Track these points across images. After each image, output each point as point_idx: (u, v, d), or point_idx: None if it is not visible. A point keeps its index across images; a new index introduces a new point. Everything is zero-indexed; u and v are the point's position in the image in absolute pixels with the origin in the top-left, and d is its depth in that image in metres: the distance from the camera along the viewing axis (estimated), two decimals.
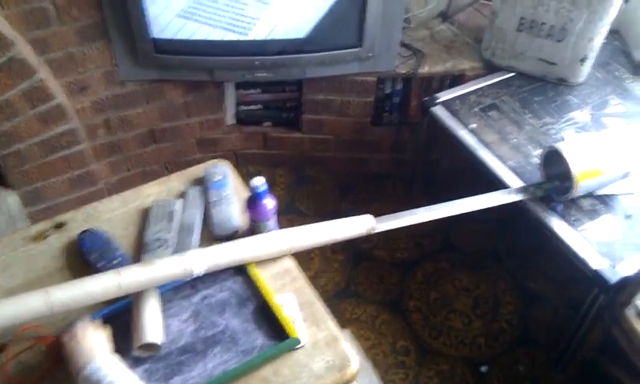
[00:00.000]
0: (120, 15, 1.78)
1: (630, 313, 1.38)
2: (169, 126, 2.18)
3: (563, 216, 1.53)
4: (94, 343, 0.96)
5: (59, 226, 1.28)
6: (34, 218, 1.96)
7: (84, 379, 0.90)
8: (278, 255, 1.20)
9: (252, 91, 2.21)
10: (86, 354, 0.93)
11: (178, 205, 1.29)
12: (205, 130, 2.25)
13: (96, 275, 1.04)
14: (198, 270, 1.10)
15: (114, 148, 2.15)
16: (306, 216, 2.21)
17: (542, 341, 1.81)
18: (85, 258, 1.19)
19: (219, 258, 1.13)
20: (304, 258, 2.06)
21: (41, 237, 1.26)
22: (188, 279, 1.12)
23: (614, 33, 2.08)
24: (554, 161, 1.55)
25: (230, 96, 2.20)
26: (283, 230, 1.22)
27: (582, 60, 1.87)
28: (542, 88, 1.94)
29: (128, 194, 1.36)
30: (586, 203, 1.56)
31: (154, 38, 1.83)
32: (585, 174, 1.47)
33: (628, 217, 1.53)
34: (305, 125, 2.25)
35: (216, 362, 1.04)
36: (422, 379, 1.74)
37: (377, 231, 1.32)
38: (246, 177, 1.23)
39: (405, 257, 2.07)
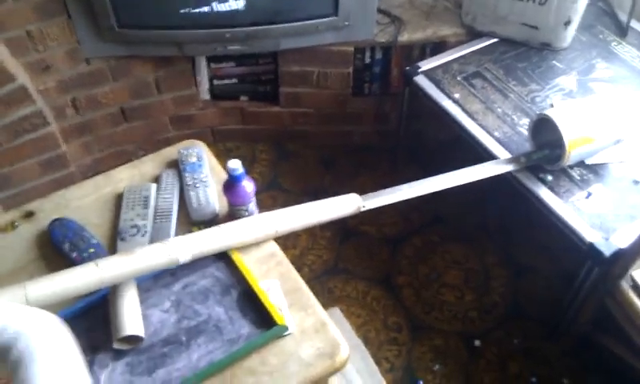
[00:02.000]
0: None
1: (624, 284, 1.36)
2: (139, 103, 2.10)
3: (553, 187, 1.49)
4: None
5: (28, 215, 1.22)
6: (5, 205, 1.89)
7: None
8: (265, 239, 1.15)
9: (225, 65, 2.13)
10: None
11: (153, 189, 1.23)
12: (178, 107, 2.17)
13: (75, 268, 0.99)
14: (184, 257, 1.05)
15: (83, 129, 2.06)
16: (289, 193, 2.16)
17: (535, 313, 1.80)
18: (57, 248, 1.13)
19: (205, 244, 1.08)
20: (290, 235, 2.00)
21: (10, 227, 1.20)
22: (172, 267, 1.07)
23: None
24: (543, 129, 1.51)
25: (203, 70, 2.11)
26: (269, 213, 1.16)
27: (566, 23, 1.82)
28: (525, 54, 1.89)
29: (99, 179, 1.29)
30: (576, 173, 1.53)
31: (116, 12, 1.73)
32: (576, 142, 1.43)
33: (636, 183, 1.50)
34: (283, 98, 2.18)
35: (201, 352, 0.99)
36: (415, 355, 1.72)
37: (365, 209, 1.28)
38: (225, 154, 1.17)
39: (393, 232, 2.03)
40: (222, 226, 1.12)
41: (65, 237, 1.13)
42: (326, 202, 1.23)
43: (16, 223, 1.20)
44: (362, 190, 1.32)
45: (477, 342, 1.74)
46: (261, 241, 1.15)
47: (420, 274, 1.91)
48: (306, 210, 1.20)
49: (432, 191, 1.43)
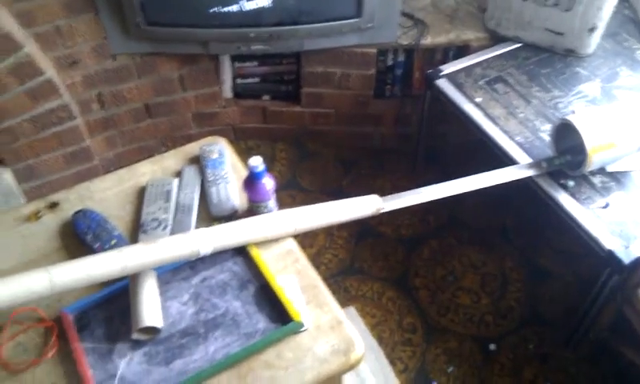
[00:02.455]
0: None
1: None
2: (163, 100, 2.12)
3: (574, 194, 1.48)
4: None
5: (53, 205, 1.24)
6: (30, 195, 1.94)
7: None
8: (284, 236, 1.16)
9: (248, 64, 2.15)
10: None
11: (174, 184, 1.25)
12: (201, 104, 2.19)
13: (99, 255, 1.01)
14: (205, 249, 1.06)
15: (108, 123, 2.10)
16: (308, 192, 2.17)
17: (552, 319, 1.78)
18: (80, 238, 1.15)
19: (226, 238, 1.09)
20: (307, 234, 2.01)
21: (34, 217, 1.22)
22: (193, 259, 1.09)
23: (624, 1, 2.02)
24: (565, 134, 1.50)
25: (226, 69, 2.14)
26: (290, 210, 1.17)
27: (591, 30, 1.80)
28: (549, 60, 1.88)
29: (122, 173, 1.31)
30: (598, 180, 1.51)
31: (144, 9, 1.76)
32: (598, 148, 1.42)
33: None
34: (304, 98, 2.19)
35: (218, 345, 1.00)
36: (429, 357, 1.72)
37: (384, 211, 1.28)
38: (245, 152, 1.19)
39: (410, 233, 2.03)
40: (243, 220, 1.13)
41: (88, 228, 1.16)
42: (346, 201, 1.24)
43: (40, 213, 1.22)
44: (381, 192, 1.32)
45: (492, 346, 1.73)
46: (280, 237, 1.16)
47: (436, 276, 1.90)
48: (326, 209, 1.21)
49: (452, 194, 1.43)
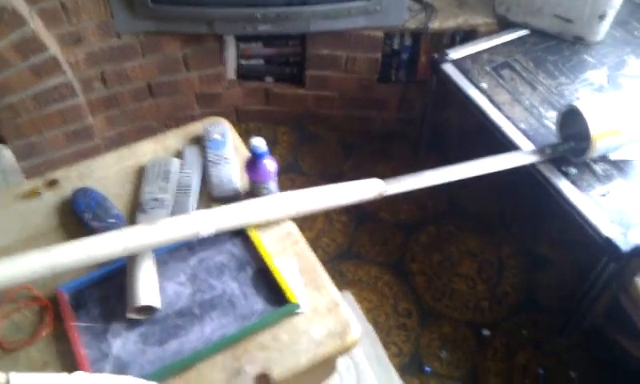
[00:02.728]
0: None
1: (639, 281, 1.34)
2: (166, 80, 2.11)
3: (575, 181, 1.48)
4: None
5: (52, 183, 1.24)
6: (29, 173, 1.92)
7: None
8: (285, 218, 1.16)
9: (253, 45, 2.13)
10: None
11: (175, 164, 1.24)
12: (204, 85, 2.18)
13: (99, 235, 1.00)
14: (206, 231, 1.06)
15: (110, 102, 2.09)
16: (309, 176, 2.16)
17: (547, 306, 1.79)
18: (79, 216, 1.15)
19: (227, 219, 1.09)
20: (306, 218, 2.00)
21: (33, 194, 1.22)
22: (193, 240, 1.09)
23: None
24: (569, 121, 1.50)
25: (231, 49, 2.12)
26: (291, 192, 1.17)
27: (601, 17, 1.78)
28: (557, 47, 1.86)
29: (123, 152, 1.31)
30: (600, 168, 1.50)
31: None
32: (602, 134, 1.41)
33: None
34: (308, 81, 2.18)
35: (214, 326, 1.01)
36: (423, 341, 1.72)
37: (387, 194, 1.27)
38: (247, 134, 1.18)
39: (409, 219, 2.02)
40: (244, 202, 1.12)
41: (87, 206, 1.15)
42: (348, 184, 1.23)
43: (39, 190, 1.22)
44: (382, 177, 1.31)
45: (486, 332, 1.73)
46: (281, 220, 1.16)
47: (433, 261, 1.90)
48: (328, 192, 1.20)
49: (455, 179, 1.42)
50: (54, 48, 1.78)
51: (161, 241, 1.03)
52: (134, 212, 1.17)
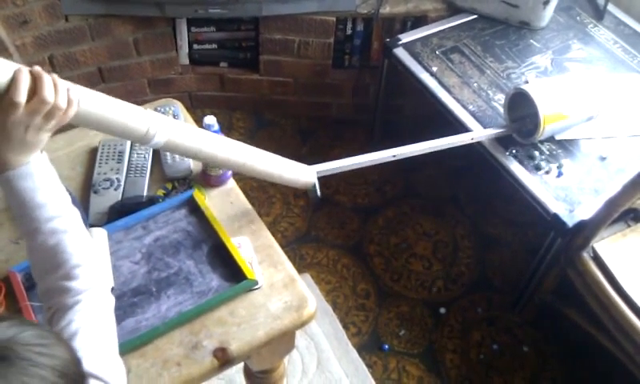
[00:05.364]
0: None
1: (585, 255, 1.40)
2: (118, 64, 2.07)
3: (522, 160, 1.53)
4: None
5: None
6: None
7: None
8: (232, 166, 1.09)
9: (206, 29, 2.11)
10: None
11: (127, 144, 1.23)
12: (157, 70, 2.15)
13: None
14: (159, 138, 0.92)
15: None
16: None
17: (500, 284, 1.85)
18: None
19: (182, 136, 0.96)
20: (264, 202, 2.03)
21: None
22: (143, 146, 1.04)
23: None
24: (517, 104, 1.54)
25: (183, 34, 2.10)
26: (244, 145, 1.11)
27: (545, 3, 1.84)
28: (504, 31, 1.92)
29: (74, 133, 1.28)
30: (546, 148, 1.56)
31: None
32: (550, 117, 1.47)
33: (603, 159, 1.55)
34: (263, 66, 2.17)
35: (170, 303, 1.00)
36: (381, 320, 1.76)
37: (320, 175, 1.26)
38: (201, 120, 1.17)
39: (366, 202, 2.06)
40: (202, 130, 1.04)
41: None
42: (288, 161, 1.21)
43: None
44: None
45: (442, 310, 1.78)
46: (228, 167, 1.12)
47: (390, 243, 1.94)
48: (268, 158, 1.16)
49: (403, 156, 1.44)
50: None
51: (111, 121, 0.93)
52: (87, 192, 1.15)
